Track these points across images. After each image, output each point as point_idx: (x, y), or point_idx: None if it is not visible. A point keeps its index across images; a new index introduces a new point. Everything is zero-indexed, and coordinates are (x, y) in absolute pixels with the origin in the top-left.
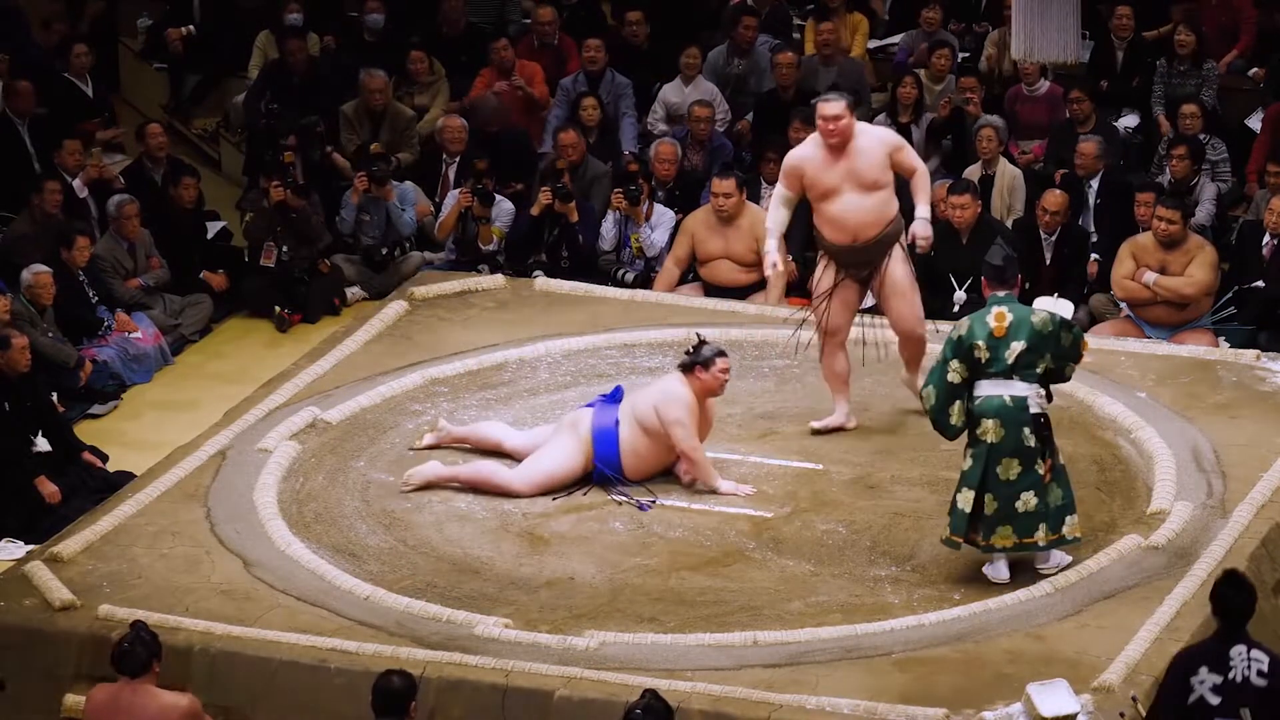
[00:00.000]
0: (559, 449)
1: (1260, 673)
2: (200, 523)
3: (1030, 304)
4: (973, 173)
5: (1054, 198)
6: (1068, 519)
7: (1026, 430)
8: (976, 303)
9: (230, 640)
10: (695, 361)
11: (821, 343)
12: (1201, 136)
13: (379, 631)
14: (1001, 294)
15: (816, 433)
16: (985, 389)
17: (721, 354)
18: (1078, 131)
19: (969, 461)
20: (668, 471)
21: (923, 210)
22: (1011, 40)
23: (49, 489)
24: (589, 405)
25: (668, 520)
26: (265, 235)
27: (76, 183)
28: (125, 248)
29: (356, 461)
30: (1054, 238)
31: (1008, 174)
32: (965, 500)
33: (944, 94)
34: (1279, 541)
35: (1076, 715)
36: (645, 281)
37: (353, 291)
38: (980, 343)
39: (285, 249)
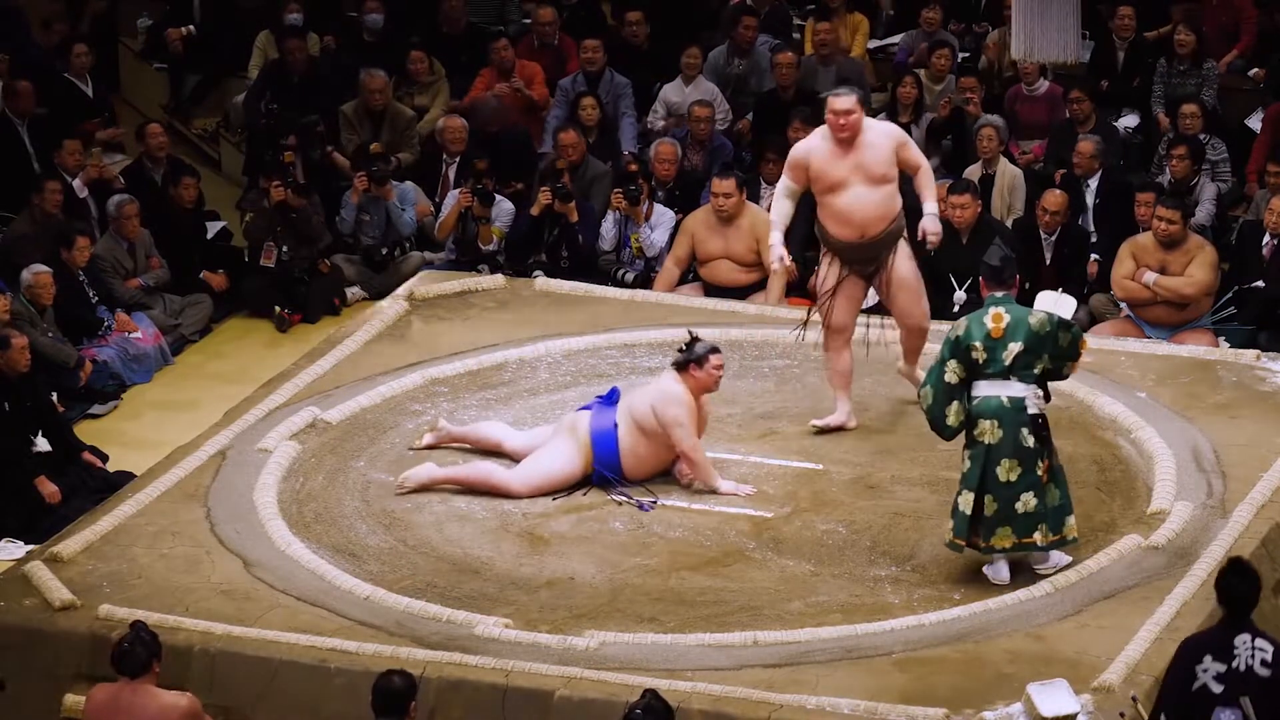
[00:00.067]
0: (557, 451)
1: (1264, 662)
2: (200, 523)
3: (1030, 303)
4: (973, 172)
5: (1054, 198)
6: (1066, 519)
7: (1025, 431)
8: (976, 302)
9: (230, 640)
10: (689, 359)
11: (827, 340)
12: (1201, 136)
13: (379, 631)
14: (999, 294)
15: (818, 431)
16: (983, 389)
17: (715, 350)
18: (1078, 131)
19: (968, 463)
20: (668, 471)
21: (931, 206)
22: (1011, 40)
23: (49, 489)
24: (585, 408)
25: (668, 520)
26: (265, 235)
27: (76, 183)
28: (125, 248)
29: (356, 461)
30: (1054, 238)
31: (1008, 174)
32: (966, 503)
33: (944, 94)
34: (1279, 541)
35: (1076, 715)
36: (645, 281)
37: (353, 291)
38: (977, 343)
39: (285, 249)
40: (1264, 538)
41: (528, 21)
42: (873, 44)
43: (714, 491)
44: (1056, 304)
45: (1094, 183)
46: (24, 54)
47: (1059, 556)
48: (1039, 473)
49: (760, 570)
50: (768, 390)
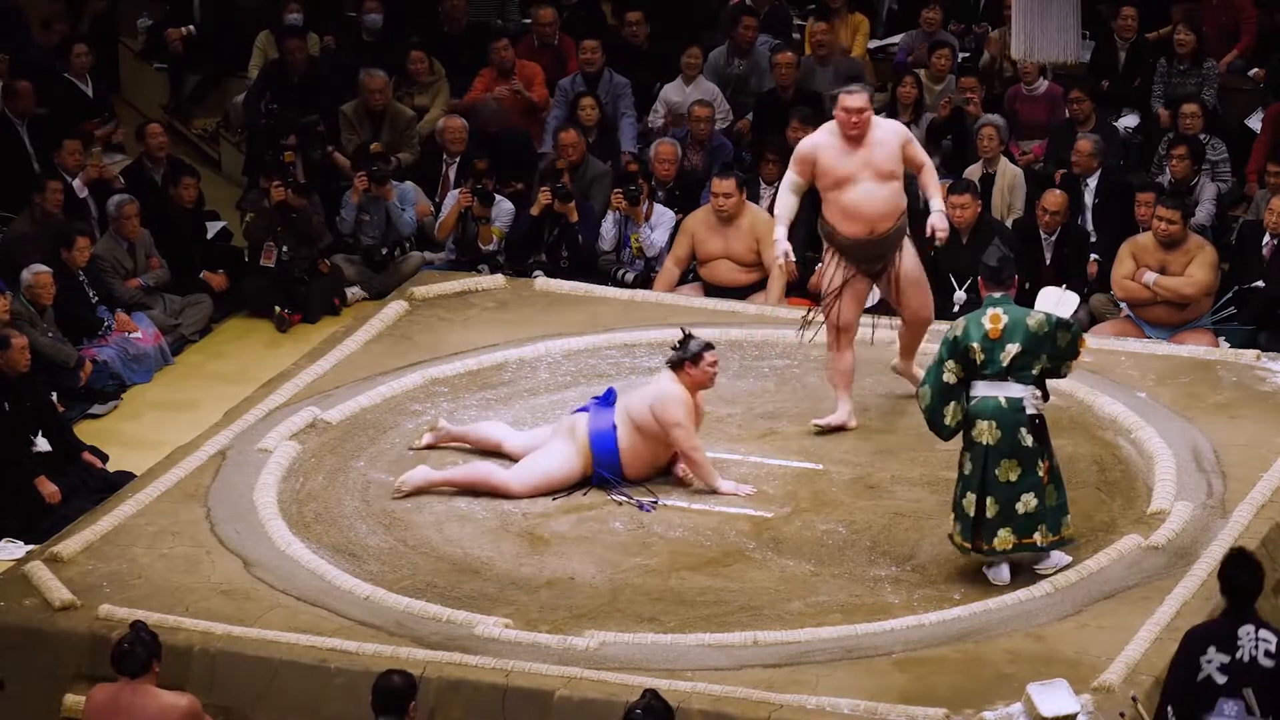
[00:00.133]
0: (556, 452)
1: (1268, 653)
2: (200, 523)
3: (1030, 304)
4: (973, 172)
5: (1054, 198)
6: (1063, 519)
7: (1023, 431)
8: (976, 302)
9: (230, 640)
10: (684, 358)
11: (832, 339)
12: (1201, 136)
13: (379, 631)
14: (997, 295)
15: (820, 430)
16: (981, 390)
17: (709, 347)
18: (1078, 131)
19: (969, 465)
20: (668, 471)
21: (937, 203)
22: (1011, 40)
23: (49, 489)
24: (583, 409)
25: (668, 520)
26: (265, 235)
27: (76, 183)
28: (125, 248)
29: (356, 461)
30: (1054, 238)
31: (1008, 173)
32: (970, 504)
33: (944, 94)
34: (1279, 541)
35: (1076, 715)
36: (645, 281)
37: (353, 291)
38: (975, 344)
39: (285, 249)
40: (1264, 538)
41: (527, 22)
42: (873, 44)
43: (714, 491)
44: (1060, 301)
45: (1093, 182)
46: (24, 54)
47: (1059, 556)
48: (1040, 473)
49: (760, 570)
50: (768, 390)
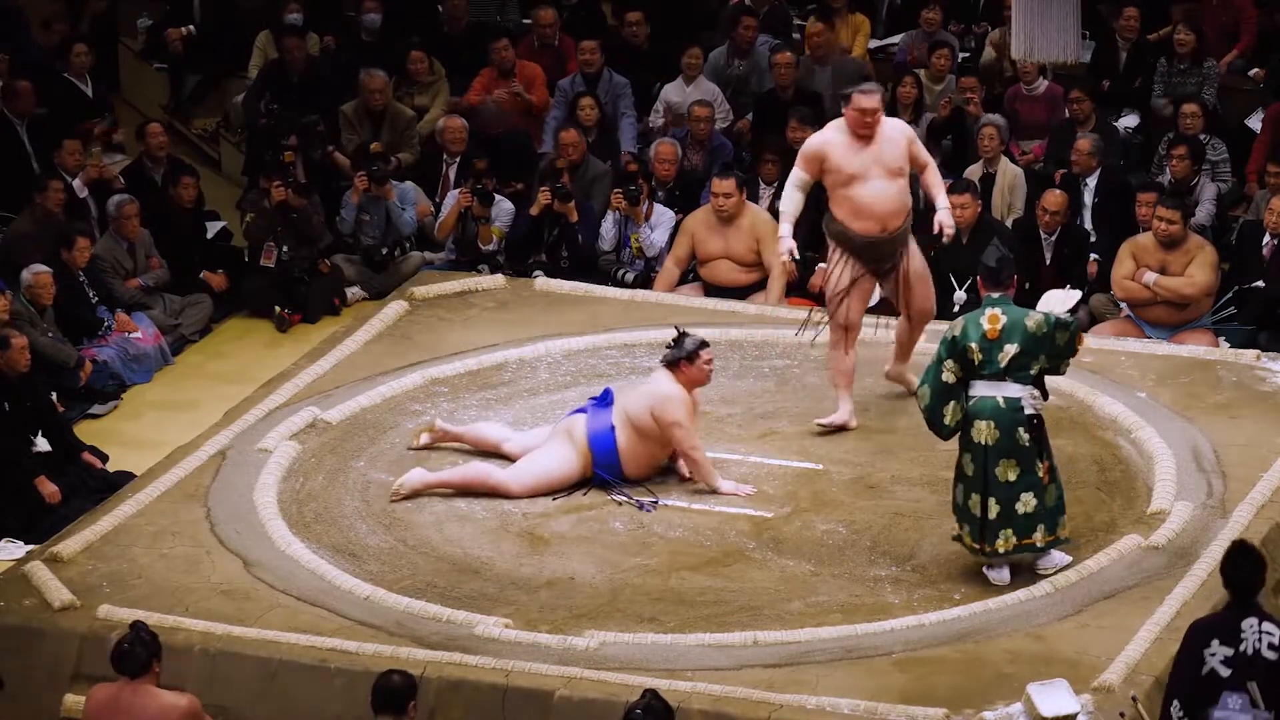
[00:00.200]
0: (554, 452)
1: (1271, 645)
2: (200, 523)
3: (1031, 304)
4: (974, 171)
5: (1054, 198)
6: (1060, 519)
7: (1021, 431)
8: (976, 302)
9: (230, 640)
10: (680, 356)
11: (837, 339)
12: (1201, 136)
13: (379, 631)
14: (996, 295)
15: (822, 429)
16: (979, 390)
17: (704, 345)
18: (1078, 131)
19: (970, 466)
20: (668, 471)
21: (943, 200)
22: (1011, 40)
23: (49, 489)
24: (580, 410)
25: (668, 520)
26: (266, 235)
27: (76, 183)
28: (125, 248)
29: (356, 461)
30: (1054, 238)
31: (1009, 173)
32: (975, 505)
33: (944, 94)
34: (1279, 541)
35: (1076, 715)
36: (645, 281)
37: (353, 291)
38: (973, 345)
39: (285, 249)
40: (1264, 537)
41: (527, 22)
42: (873, 44)
43: (714, 491)
44: (1064, 300)
45: (1092, 181)
46: (24, 54)
47: (1059, 556)
48: (1039, 473)
49: (760, 570)
50: (768, 390)
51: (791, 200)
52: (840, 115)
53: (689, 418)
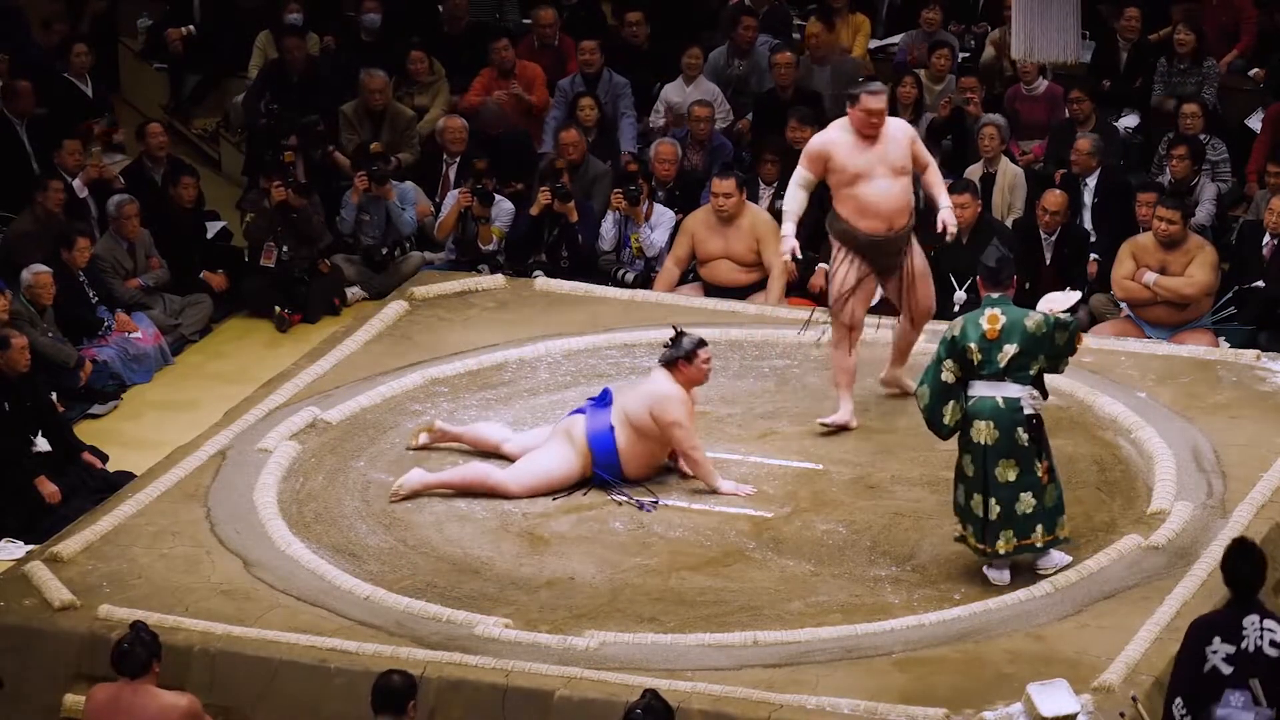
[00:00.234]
0: (554, 453)
1: (1273, 643)
2: (200, 523)
3: (1030, 304)
4: (974, 171)
5: (1054, 198)
6: (1059, 519)
7: (1020, 431)
8: (976, 302)
9: (230, 640)
10: (678, 356)
11: (840, 339)
12: (1201, 136)
13: (379, 631)
14: (995, 295)
15: (825, 428)
16: (978, 390)
17: (702, 343)
18: (1078, 131)
19: (970, 467)
20: (668, 471)
21: (946, 199)
22: (1011, 40)
23: (49, 489)
24: (579, 410)
25: (668, 520)
26: (266, 235)
27: (76, 183)
28: (125, 248)
29: (356, 461)
30: (1054, 238)
31: (1009, 173)
32: (978, 505)
33: (944, 94)
34: (1279, 541)
35: (1076, 715)
36: (645, 281)
37: (353, 291)
38: (973, 345)
39: (285, 249)
40: (1264, 537)
41: (527, 22)
42: (873, 44)
43: (714, 491)
44: (1063, 301)
45: (1092, 181)
46: (24, 54)
47: (1059, 556)
48: (1038, 473)
49: (760, 570)
50: (768, 390)
51: (795, 199)
52: (841, 114)
53: (688, 417)
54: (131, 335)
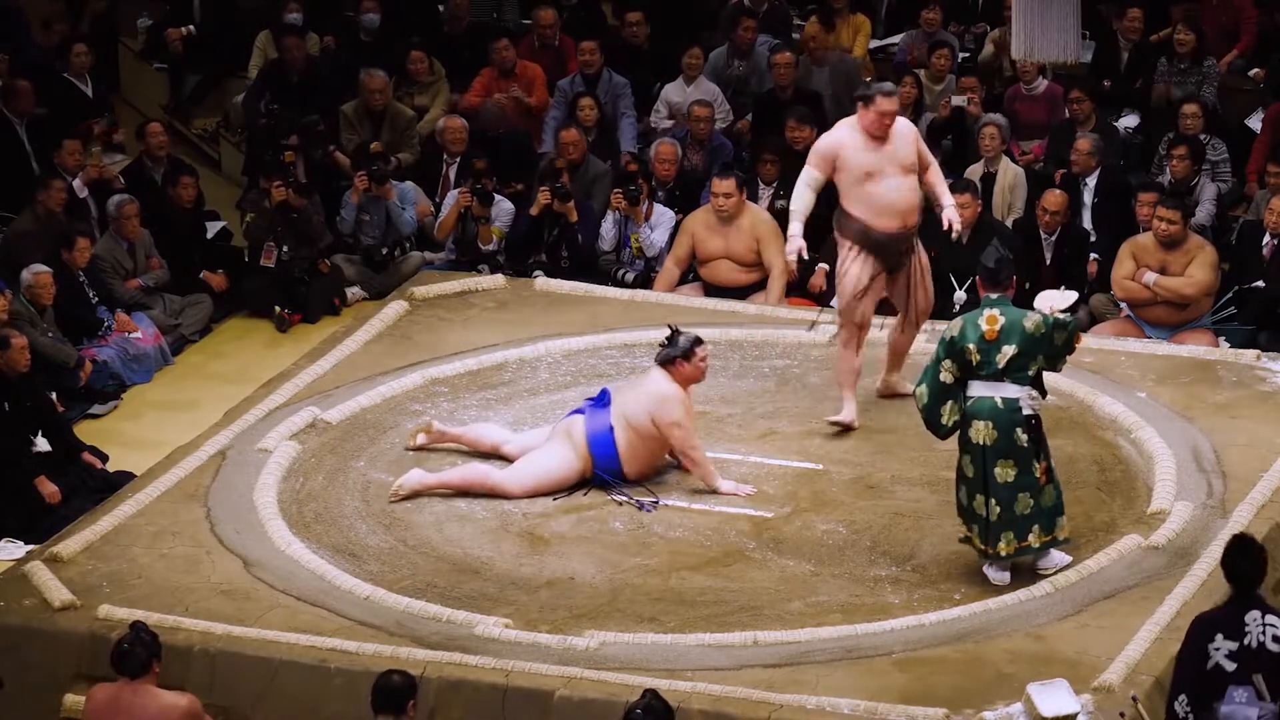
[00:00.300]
0: (554, 453)
1: (1276, 638)
2: (200, 523)
3: (1029, 304)
4: (975, 171)
5: (1054, 198)
6: (1058, 520)
7: (1019, 431)
8: (975, 302)
9: (230, 640)
10: (676, 355)
11: (850, 338)
12: (1201, 136)
13: (379, 631)
14: (995, 296)
15: (833, 425)
16: (977, 390)
17: (699, 341)
18: (1078, 131)
19: (970, 468)
20: (668, 471)
21: (948, 198)
22: (1011, 40)
23: (49, 489)
24: (578, 411)
25: (668, 520)
26: (266, 235)
27: (76, 183)
28: (125, 248)
29: (356, 461)
30: (1054, 238)
31: (1010, 173)
32: (980, 506)
33: (944, 94)
34: (1279, 541)
35: (1076, 715)
36: (645, 281)
37: (353, 291)
38: (971, 345)
39: (285, 249)
40: (1264, 537)
41: (527, 22)
42: (873, 44)
43: (714, 491)
44: (1060, 300)
45: (1092, 181)
46: (24, 54)
47: (1060, 556)
48: (1036, 474)
49: (760, 570)
50: (768, 390)
51: (802, 199)
52: (841, 114)
53: (688, 417)
54: (131, 335)
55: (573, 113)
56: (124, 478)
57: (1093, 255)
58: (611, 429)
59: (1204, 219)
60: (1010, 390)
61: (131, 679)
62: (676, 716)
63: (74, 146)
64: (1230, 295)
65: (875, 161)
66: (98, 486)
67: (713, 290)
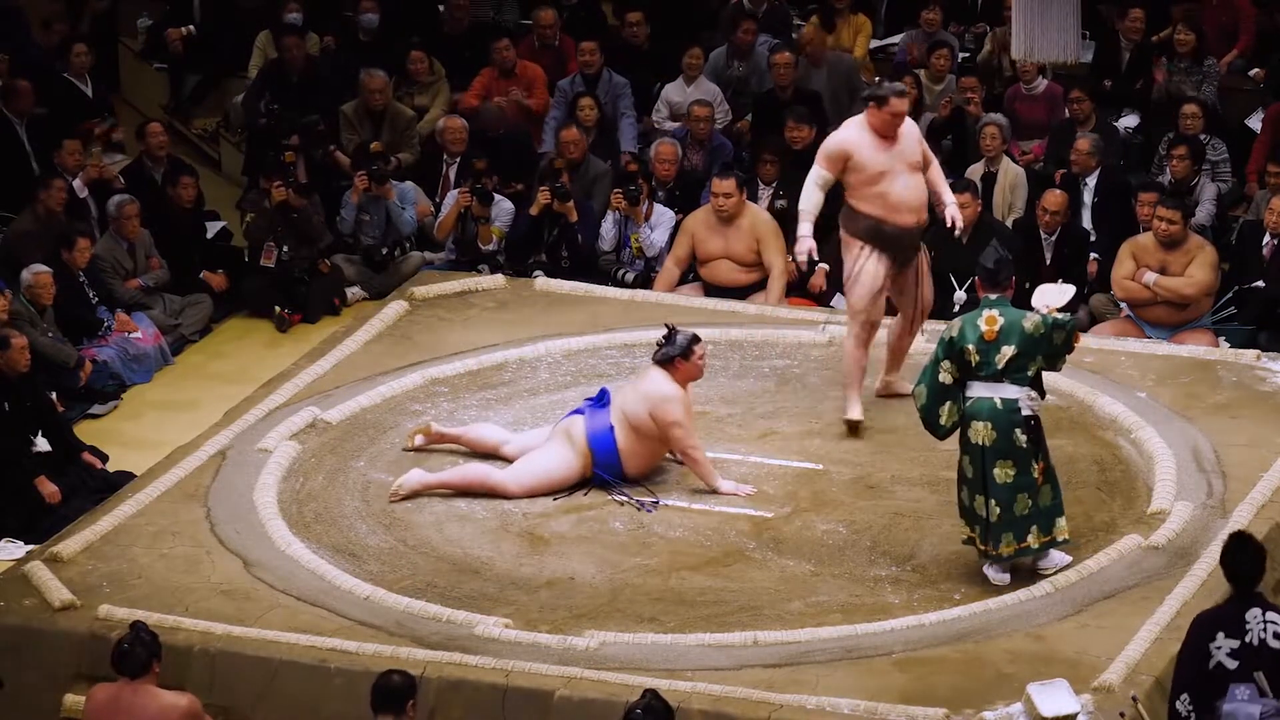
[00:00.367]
0: (553, 453)
1: (1277, 635)
2: (200, 523)
3: (1029, 304)
4: (975, 171)
5: (1054, 197)
6: (1057, 520)
7: (1018, 432)
8: (975, 302)
9: (230, 640)
10: (674, 354)
11: (862, 335)
12: (1201, 136)
13: (379, 631)
14: (994, 296)
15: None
16: (976, 390)
17: (696, 339)
18: (1078, 131)
19: (970, 468)
20: (668, 471)
21: (949, 196)
22: (1011, 40)
23: (49, 489)
24: (577, 411)
25: (668, 520)
26: (266, 235)
27: (76, 183)
28: (125, 248)
29: (356, 461)
30: (1054, 238)
31: (1010, 172)
32: (980, 506)
33: (944, 94)
34: (1279, 541)
35: (1076, 715)
36: (645, 281)
37: (353, 291)
38: (970, 346)
39: (285, 249)
40: (1264, 537)
41: (527, 22)
42: (873, 44)
43: (714, 491)
44: (1059, 294)
45: (1092, 181)
46: (24, 54)
47: (1060, 556)
48: (1034, 474)
49: (760, 570)
50: (768, 390)
51: (811, 199)
52: (841, 114)
53: (688, 417)
54: (131, 335)
55: (573, 113)
56: (124, 478)
57: (1093, 255)
58: (611, 429)
59: (1204, 219)
60: (1009, 391)
61: (131, 679)
62: (676, 716)
63: (74, 146)
64: (1230, 295)
65: (887, 161)
66: (98, 486)
67: (713, 290)
